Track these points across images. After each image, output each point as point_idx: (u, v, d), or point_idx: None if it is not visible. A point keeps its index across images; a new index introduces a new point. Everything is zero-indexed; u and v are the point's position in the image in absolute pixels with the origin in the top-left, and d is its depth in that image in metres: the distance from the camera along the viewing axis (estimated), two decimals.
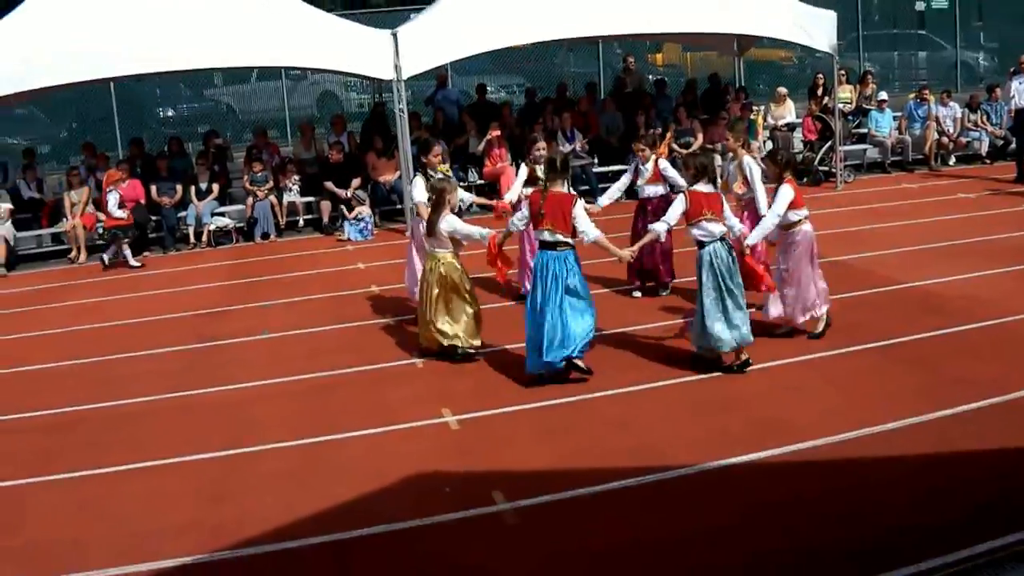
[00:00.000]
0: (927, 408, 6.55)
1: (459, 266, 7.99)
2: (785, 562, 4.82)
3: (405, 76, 13.07)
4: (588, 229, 7.27)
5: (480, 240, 7.83)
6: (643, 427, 6.61)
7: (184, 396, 7.88)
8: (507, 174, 14.55)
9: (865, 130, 17.20)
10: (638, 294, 9.87)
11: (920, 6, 23.01)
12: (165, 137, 17.50)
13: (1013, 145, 16.30)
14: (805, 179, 16.10)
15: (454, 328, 7.96)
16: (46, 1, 12.18)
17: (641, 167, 9.67)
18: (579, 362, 7.29)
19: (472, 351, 8.07)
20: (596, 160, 15.69)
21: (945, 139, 17.15)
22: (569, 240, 7.30)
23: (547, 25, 13.79)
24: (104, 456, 6.73)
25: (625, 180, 9.80)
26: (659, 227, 7.63)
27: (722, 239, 7.42)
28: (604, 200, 9.60)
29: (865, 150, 17.17)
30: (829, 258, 10.85)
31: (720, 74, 18.67)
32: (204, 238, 14.15)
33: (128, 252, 13.28)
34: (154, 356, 9.06)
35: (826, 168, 15.80)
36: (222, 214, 14.34)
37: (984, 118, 17.41)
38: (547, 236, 7.30)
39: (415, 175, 9.35)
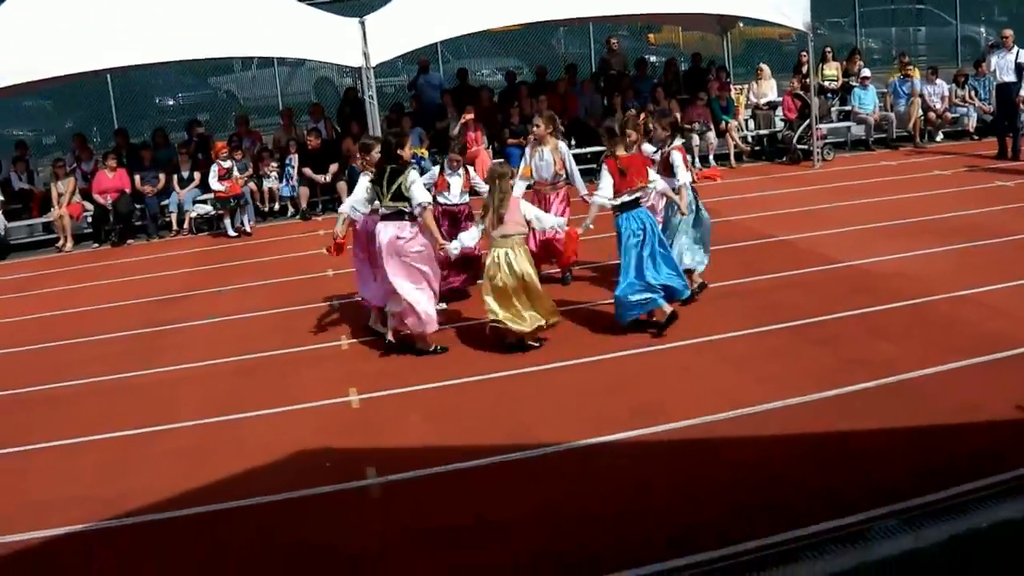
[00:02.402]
0: (813, 388, 6.66)
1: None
2: (606, 542, 4.98)
3: (374, 63, 13.28)
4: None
5: (556, 229, 8.23)
6: (526, 407, 6.81)
7: (116, 379, 8.24)
8: (481, 157, 14.74)
9: (849, 107, 17.10)
10: None
11: None
12: (167, 126, 17.95)
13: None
14: (783, 157, 16.15)
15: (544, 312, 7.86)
16: None
17: None
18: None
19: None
20: (573, 142, 15.77)
21: (932, 115, 17.01)
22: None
23: (517, 9, 13.92)
24: (26, 435, 7.09)
25: None
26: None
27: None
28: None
29: (849, 127, 17.09)
30: (775, 236, 11.04)
31: (715, 53, 18.66)
32: (185, 225, 14.52)
33: (244, 218, 14.10)
34: (101, 341, 9.43)
35: (805, 146, 15.77)
36: (204, 201, 14.68)
37: (972, 94, 17.26)
38: (629, 196, 7.87)
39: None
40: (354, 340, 8.54)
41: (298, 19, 13.31)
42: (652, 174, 8.28)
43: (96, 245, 14.38)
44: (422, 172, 13.27)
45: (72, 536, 5.52)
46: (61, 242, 14.29)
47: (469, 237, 7.96)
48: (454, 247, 7.84)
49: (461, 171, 9.32)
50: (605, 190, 7.96)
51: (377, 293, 8.27)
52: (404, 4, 13.58)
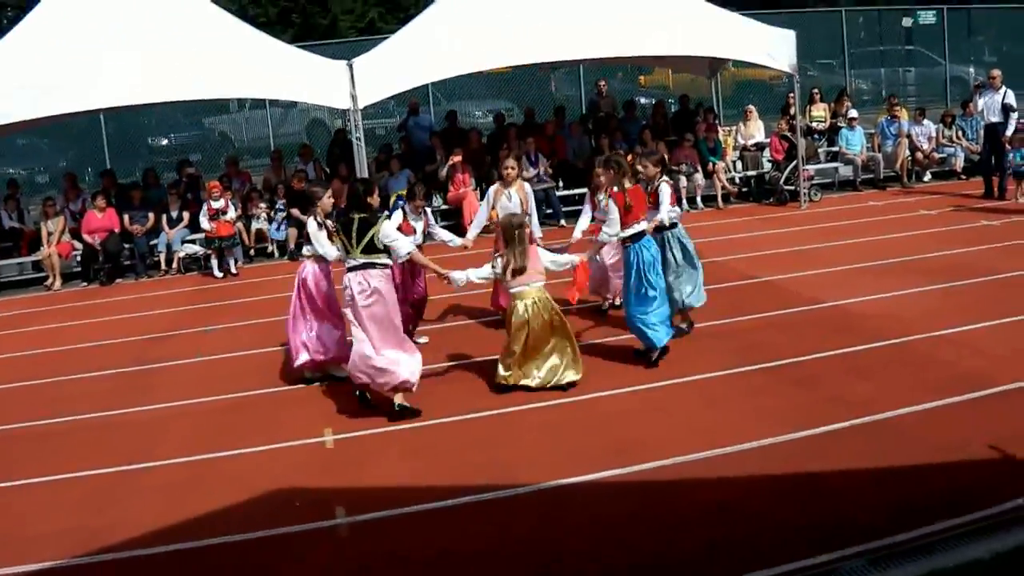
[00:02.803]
0: (790, 428, 6.67)
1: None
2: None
3: (361, 105, 13.42)
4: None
5: (569, 267, 8.17)
6: (502, 446, 6.81)
7: (103, 416, 8.26)
8: (469, 199, 14.86)
9: (837, 148, 17.24)
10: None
11: (907, 22, 22.98)
12: (159, 166, 18.10)
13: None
14: (771, 199, 16.26)
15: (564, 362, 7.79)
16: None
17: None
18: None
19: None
20: (561, 184, 15.90)
21: (919, 155, 17.15)
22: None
23: (504, 52, 14.09)
24: (15, 470, 7.11)
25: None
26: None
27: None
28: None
29: (836, 168, 17.22)
30: (760, 277, 11.09)
31: (704, 94, 18.86)
32: (174, 265, 14.57)
33: (230, 261, 14.12)
34: (89, 379, 9.45)
35: (792, 187, 15.88)
36: (192, 241, 14.75)
37: (959, 134, 17.40)
38: (637, 228, 8.09)
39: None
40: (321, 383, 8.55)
41: (286, 61, 13.46)
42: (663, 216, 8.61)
43: (85, 284, 14.44)
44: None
45: (55, 571, 5.54)
46: (50, 281, 14.35)
47: (484, 272, 7.78)
48: (461, 278, 7.72)
49: (422, 215, 9.27)
50: (612, 225, 8.08)
51: (319, 345, 8.27)
52: (392, 47, 13.75)
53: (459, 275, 7.71)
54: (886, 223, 13.98)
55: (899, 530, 5.17)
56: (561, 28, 13.91)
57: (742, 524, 5.42)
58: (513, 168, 9.51)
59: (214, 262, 14.15)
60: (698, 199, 16.28)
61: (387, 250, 7.43)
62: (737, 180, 17.15)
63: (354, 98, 13.32)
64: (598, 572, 5.01)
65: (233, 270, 14.14)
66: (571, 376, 7.77)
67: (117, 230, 14.50)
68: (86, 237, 14.34)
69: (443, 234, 9.52)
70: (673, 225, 8.93)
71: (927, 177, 17.42)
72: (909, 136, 17.05)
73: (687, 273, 8.88)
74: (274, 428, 7.52)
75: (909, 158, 17.11)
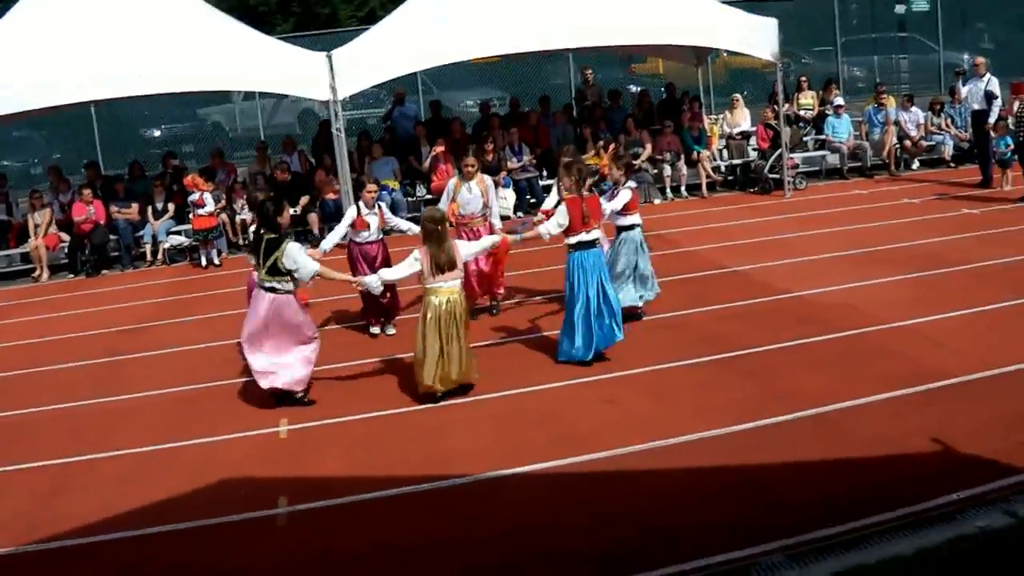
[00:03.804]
0: (735, 421, 6.75)
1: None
2: (490, 563, 5.12)
3: (341, 96, 13.47)
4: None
5: (492, 248, 8.23)
6: (448, 437, 6.93)
7: (67, 407, 8.39)
8: None
9: (824, 136, 17.21)
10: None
11: (900, 9, 22.87)
12: (152, 157, 18.19)
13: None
14: (755, 187, 16.25)
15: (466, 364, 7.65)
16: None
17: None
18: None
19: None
20: (544, 173, 15.92)
21: (908, 143, 17.09)
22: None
23: (486, 42, 14.10)
24: None
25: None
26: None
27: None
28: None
29: (824, 156, 17.19)
30: (729, 267, 11.11)
31: (696, 82, 18.85)
32: (160, 256, 14.68)
33: (212, 252, 14.21)
34: (61, 370, 9.58)
35: (776, 176, 15.86)
36: (178, 232, 14.85)
37: (948, 121, 17.33)
38: (589, 236, 8.03)
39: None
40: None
41: (266, 53, 13.49)
42: (606, 207, 8.66)
43: (71, 275, 14.56)
44: (392, 205, 13.59)
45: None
46: (37, 272, 14.49)
47: (401, 270, 7.65)
48: (374, 282, 7.71)
49: (376, 209, 9.31)
50: (552, 225, 8.04)
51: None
52: (372, 38, 13.78)
53: (371, 279, 7.75)
54: (868, 212, 13.95)
55: (825, 525, 5.23)
56: (543, 17, 13.89)
57: (674, 517, 5.50)
58: (473, 165, 9.60)
59: (202, 253, 14.23)
60: (682, 188, 16.28)
61: (290, 273, 7.37)
62: (723, 168, 17.12)
63: (334, 89, 13.34)
64: (528, 562, 5.08)
65: (216, 261, 14.23)
66: (475, 376, 7.71)
67: (103, 222, 14.60)
68: (76, 219, 14.37)
69: (401, 223, 9.59)
70: (632, 228, 8.97)
71: (915, 165, 17.35)
72: (897, 123, 16.97)
73: (639, 277, 9.01)
74: (234, 418, 7.67)
75: (897, 146, 17.04)
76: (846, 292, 9.71)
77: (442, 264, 7.41)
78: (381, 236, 9.43)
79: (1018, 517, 5.23)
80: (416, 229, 9.40)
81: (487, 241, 8.26)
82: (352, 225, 9.20)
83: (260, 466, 6.68)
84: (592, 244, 8.08)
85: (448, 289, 7.45)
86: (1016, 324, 8.40)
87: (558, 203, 8.33)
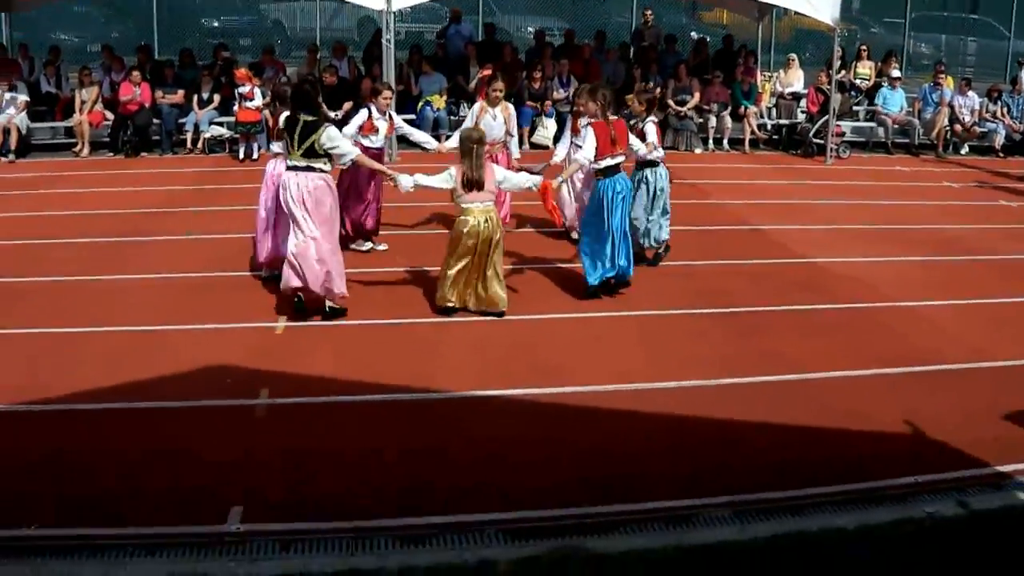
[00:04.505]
0: (715, 375, 6.83)
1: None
2: (442, 486, 5.29)
3: (395, 7, 13.49)
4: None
5: (532, 188, 7.94)
6: (436, 354, 7.10)
7: (76, 280, 8.66)
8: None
9: (875, 107, 16.93)
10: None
11: None
12: (207, 47, 18.33)
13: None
14: (798, 150, 16.08)
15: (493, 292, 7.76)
16: None
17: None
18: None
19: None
20: None
21: (958, 127, 16.77)
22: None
23: None
24: None
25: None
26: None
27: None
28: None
29: (872, 128, 16.92)
30: (751, 225, 11.12)
31: (759, 39, 18.58)
32: (199, 144, 14.91)
33: (253, 146, 14.44)
34: (80, 244, 9.86)
35: (820, 141, 15.67)
36: (220, 123, 15.04)
37: (1004, 110, 16.94)
38: (615, 160, 8.07)
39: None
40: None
41: None
42: (635, 141, 8.59)
43: (111, 154, 14.83)
44: (435, 122, 13.64)
45: None
46: (79, 147, 14.78)
47: (435, 180, 7.66)
48: (408, 182, 7.66)
49: (387, 117, 9.39)
50: (588, 151, 8.00)
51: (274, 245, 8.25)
52: None
53: (406, 179, 7.64)
54: (904, 189, 13.81)
55: (776, 488, 5.32)
56: None
57: (626, 462, 5.63)
58: (500, 90, 9.64)
59: (241, 146, 14.43)
60: (724, 140, 16.14)
61: (327, 155, 7.42)
62: (769, 127, 16.94)
63: (388, 0, 13.38)
64: (469, 487, 5.28)
65: (255, 155, 14.42)
66: (503, 305, 7.77)
67: (148, 105, 14.82)
68: (123, 98, 14.60)
69: (419, 135, 9.74)
70: (655, 164, 9.01)
71: (964, 150, 17.01)
72: (951, 106, 16.64)
73: (657, 214, 9.01)
74: (234, 310, 7.88)
75: (948, 128, 16.73)
76: (860, 265, 9.67)
77: (472, 182, 7.52)
78: (385, 144, 9.54)
79: (969, 509, 5.26)
80: (433, 143, 9.52)
81: (524, 180, 8.06)
82: (361, 127, 9.26)
83: (251, 358, 6.87)
84: (618, 169, 8.15)
85: (483, 210, 7.59)
86: (1021, 321, 8.34)
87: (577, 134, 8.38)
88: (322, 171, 7.40)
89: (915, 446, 5.94)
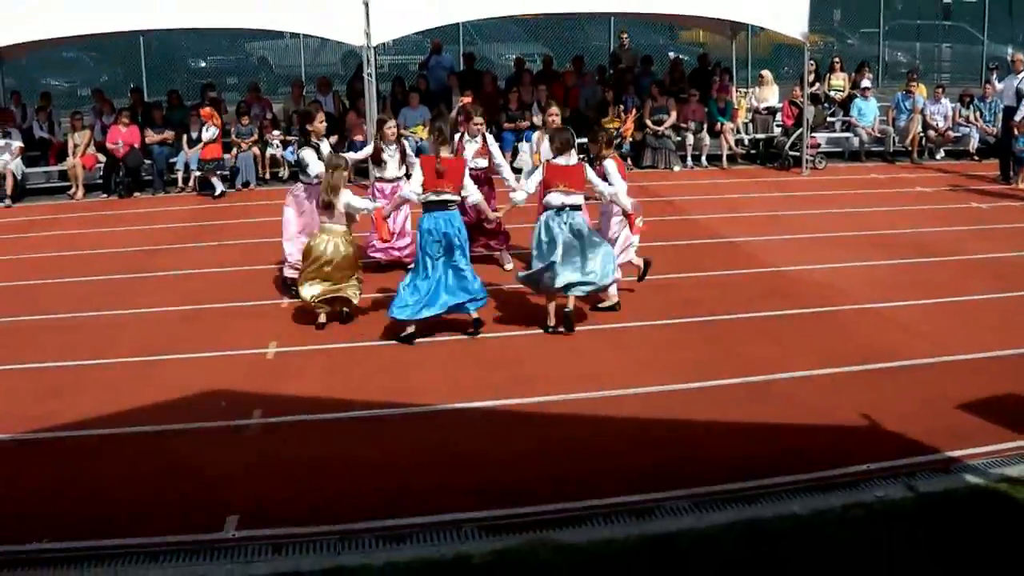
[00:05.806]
0: (682, 380, 7.17)
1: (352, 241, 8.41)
2: (406, 488, 5.65)
3: (374, 42, 13.93)
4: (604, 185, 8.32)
5: (367, 213, 8.48)
6: (418, 372, 7.48)
7: (83, 316, 9.04)
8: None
9: (850, 118, 17.36)
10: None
11: None
12: (195, 87, 18.80)
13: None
14: (775, 163, 16.49)
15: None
16: None
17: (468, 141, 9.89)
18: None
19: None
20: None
21: (932, 133, 17.19)
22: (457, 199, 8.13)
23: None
24: None
25: None
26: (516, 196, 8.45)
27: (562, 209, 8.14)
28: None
29: (848, 138, 17.36)
30: (725, 237, 11.49)
31: (738, 54, 19.04)
32: (191, 183, 15.33)
33: (216, 181, 14.90)
34: (81, 283, 10.24)
35: (796, 153, 16.09)
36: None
37: (977, 114, 17.37)
38: (435, 197, 7.96)
39: (301, 147, 9.44)
40: (296, 300, 9.16)
41: None
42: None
43: (105, 195, 15.25)
44: (418, 152, 14.04)
45: None
46: (73, 190, 15.21)
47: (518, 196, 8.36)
48: (520, 198, 8.31)
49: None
50: (414, 185, 8.02)
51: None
52: None
53: (518, 195, 8.48)
54: (878, 196, 14.18)
55: (735, 480, 5.64)
56: None
57: (593, 460, 5.98)
58: (556, 115, 9.63)
59: (213, 180, 14.92)
60: (702, 157, 16.57)
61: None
62: (746, 142, 17.37)
63: (368, 35, 13.80)
64: (433, 488, 5.64)
65: (218, 192, 14.82)
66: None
67: (138, 146, 15.26)
68: (109, 146, 15.06)
69: (508, 177, 9.80)
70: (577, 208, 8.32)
71: (940, 155, 17.44)
72: (923, 113, 17.07)
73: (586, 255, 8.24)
74: (226, 338, 8.25)
75: (922, 135, 17.16)
76: (830, 271, 10.04)
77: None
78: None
79: (916, 491, 5.58)
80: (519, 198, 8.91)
81: (368, 205, 8.61)
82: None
83: (243, 382, 7.26)
84: (445, 206, 8.00)
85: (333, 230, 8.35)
86: (984, 316, 8.68)
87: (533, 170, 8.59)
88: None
89: (871, 437, 6.26)
